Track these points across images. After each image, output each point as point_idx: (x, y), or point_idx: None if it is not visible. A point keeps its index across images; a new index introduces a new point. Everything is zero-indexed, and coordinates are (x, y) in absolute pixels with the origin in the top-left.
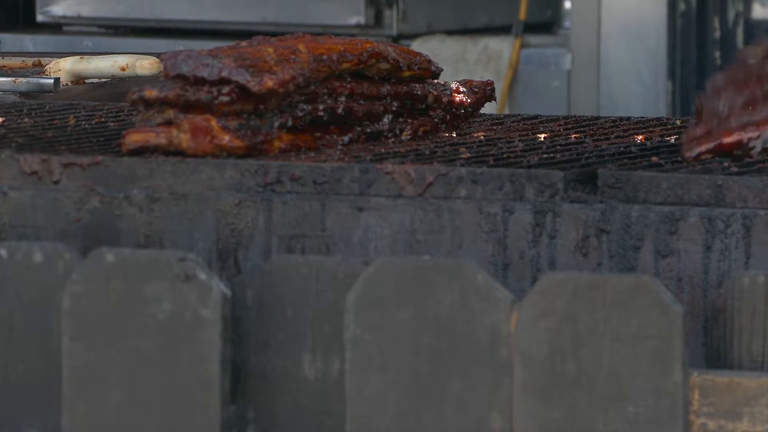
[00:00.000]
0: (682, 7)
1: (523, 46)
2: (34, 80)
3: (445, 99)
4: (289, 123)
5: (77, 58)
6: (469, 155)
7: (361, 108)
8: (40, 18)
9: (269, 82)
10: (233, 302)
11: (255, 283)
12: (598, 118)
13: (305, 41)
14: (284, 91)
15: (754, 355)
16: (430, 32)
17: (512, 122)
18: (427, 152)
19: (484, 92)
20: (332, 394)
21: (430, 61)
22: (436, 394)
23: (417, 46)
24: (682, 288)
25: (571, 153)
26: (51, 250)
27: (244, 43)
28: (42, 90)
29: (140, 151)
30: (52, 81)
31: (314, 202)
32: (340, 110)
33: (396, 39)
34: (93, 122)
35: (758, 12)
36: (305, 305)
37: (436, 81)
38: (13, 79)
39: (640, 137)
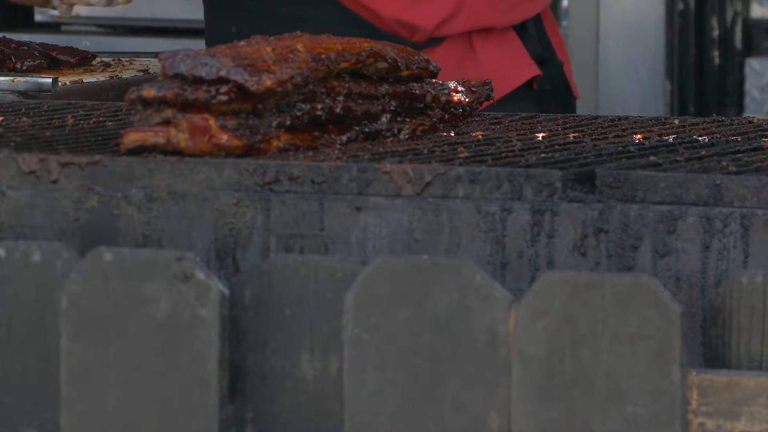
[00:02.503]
0: (680, 6)
1: None
2: (32, 79)
3: (443, 98)
4: (288, 122)
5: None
6: (467, 154)
7: (359, 107)
8: (38, 17)
9: (267, 82)
10: (231, 302)
11: (253, 283)
12: (596, 117)
13: (303, 41)
14: (282, 91)
15: (753, 355)
16: None
17: (510, 121)
18: (426, 151)
19: (482, 91)
20: (330, 393)
21: (428, 61)
22: (435, 394)
23: None
24: (680, 287)
25: (569, 152)
26: (49, 249)
27: (242, 43)
28: (40, 89)
29: (138, 151)
30: (50, 80)
31: (312, 201)
32: (338, 110)
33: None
34: (91, 122)
35: (757, 12)
36: (303, 305)
37: (434, 80)
38: (12, 78)
39: (638, 137)
